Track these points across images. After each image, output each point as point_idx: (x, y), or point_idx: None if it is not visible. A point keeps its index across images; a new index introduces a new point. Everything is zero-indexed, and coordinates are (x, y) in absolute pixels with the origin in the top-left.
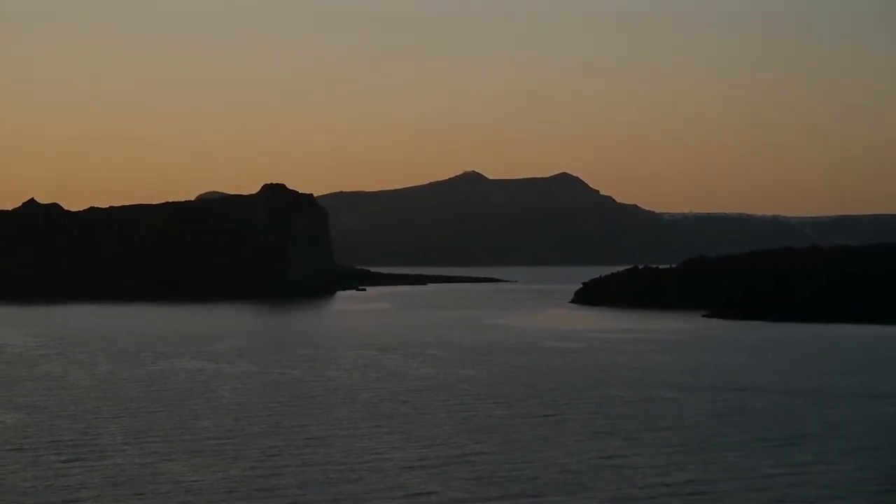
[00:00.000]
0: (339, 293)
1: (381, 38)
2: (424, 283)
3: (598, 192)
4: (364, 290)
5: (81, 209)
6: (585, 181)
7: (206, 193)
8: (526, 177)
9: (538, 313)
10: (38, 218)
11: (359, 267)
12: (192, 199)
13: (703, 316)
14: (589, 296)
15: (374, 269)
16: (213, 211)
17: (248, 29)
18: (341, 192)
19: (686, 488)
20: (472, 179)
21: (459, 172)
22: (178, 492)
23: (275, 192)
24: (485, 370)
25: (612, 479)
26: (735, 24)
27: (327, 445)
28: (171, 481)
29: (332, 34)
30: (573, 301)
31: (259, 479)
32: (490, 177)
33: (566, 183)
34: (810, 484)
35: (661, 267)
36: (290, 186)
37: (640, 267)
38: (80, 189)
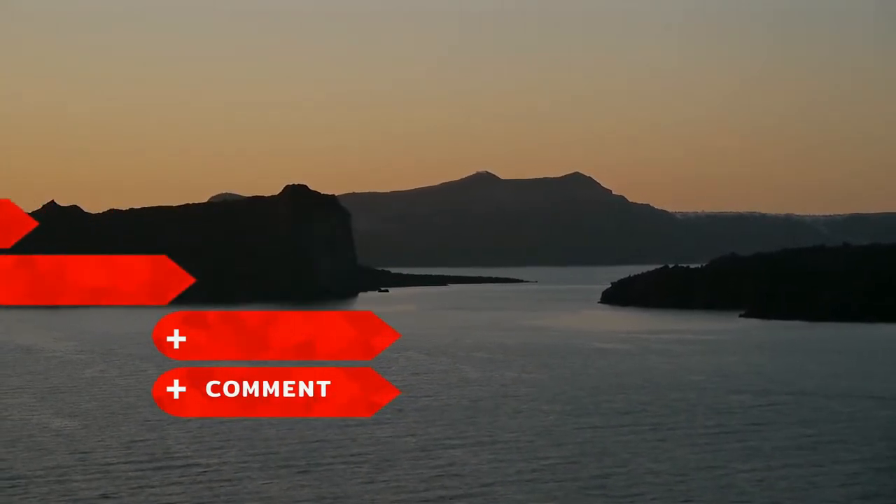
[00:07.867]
0: (362, 295)
1: (393, 38)
2: (445, 284)
3: (610, 191)
4: (387, 291)
5: (101, 211)
6: (598, 181)
7: (218, 195)
8: (538, 177)
9: (572, 314)
10: (58, 220)
11: (379, 268)
12: (205, 200)
13: (741, 316)
14: (619, 296)
15: (393, 270)
16: (234, 212)
17: (261, 30)
18: (353, 193)
19: (805, 498)
20: (484, 179)
21: (472, 173)
22: None
23: (297, 193)
24: (543, 373)
25: (716, 490)
26: (745, 24)
27: (402, 452)
28: (251, 492)
29: (344, 35)
30: (602, 301)
31: (337, 490)
32: (502, 177)
33: (579, 182)
34: None
35: (691, 266)
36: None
37: (671, 266)
38: (100, 191)
